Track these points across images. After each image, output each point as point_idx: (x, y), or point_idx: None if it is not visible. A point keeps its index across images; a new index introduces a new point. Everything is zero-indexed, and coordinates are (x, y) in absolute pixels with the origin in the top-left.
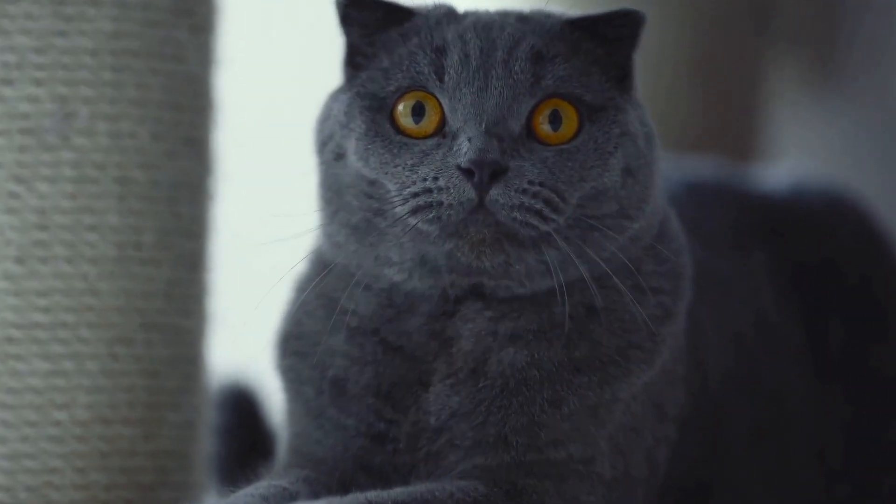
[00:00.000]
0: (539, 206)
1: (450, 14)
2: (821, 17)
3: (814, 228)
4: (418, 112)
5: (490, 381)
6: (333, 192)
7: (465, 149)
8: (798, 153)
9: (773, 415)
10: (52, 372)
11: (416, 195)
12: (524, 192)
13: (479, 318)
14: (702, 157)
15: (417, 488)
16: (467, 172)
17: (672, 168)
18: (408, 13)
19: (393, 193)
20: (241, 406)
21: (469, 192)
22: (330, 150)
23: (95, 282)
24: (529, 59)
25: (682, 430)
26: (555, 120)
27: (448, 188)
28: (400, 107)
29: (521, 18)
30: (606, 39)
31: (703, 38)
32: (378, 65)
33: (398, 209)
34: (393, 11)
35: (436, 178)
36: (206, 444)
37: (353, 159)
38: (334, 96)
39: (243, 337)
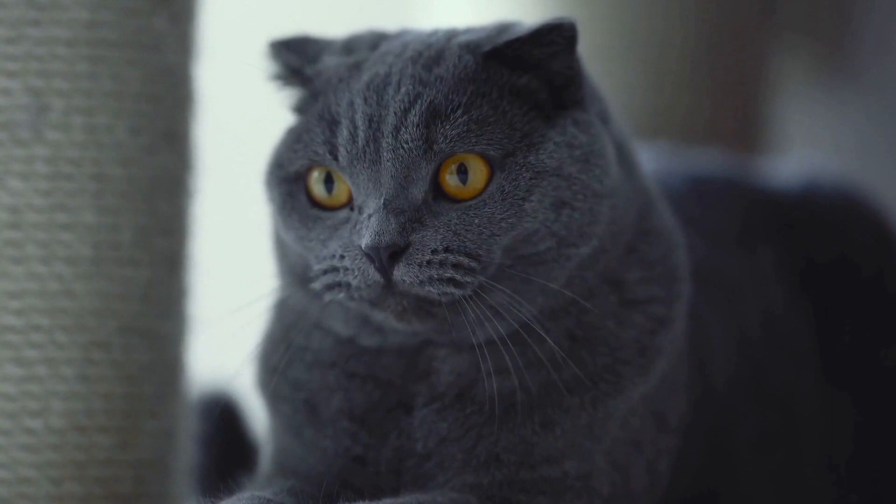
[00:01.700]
0: (449, 273)
1: (353, 68)
2: (830, 3)
3: (825, 227)
4: (329, 180)
5: (478, 407)
6: (277, 240)
7: (364, 230)
8: (806, 145)
9: (780, 419)
10: (26, 378)
11: (325, 272)
12: (429, 263)
13: (454, 359)
14: (707, 150)
15: (407, 500)
16: (368, 256)
17: (676, 161)
18: (319, 59)
19: (313, 265)
20: (222, 416)
21: (374, 274)
22: (270, 201)
23: (70, 283)
24: (421, 124)
25: (685, 436)
26: (463, 171)
27: (353, 270)
28: (314, 174)
29: (431, 62)
30: (537, 61)
31: (708, 26)
32: (295, 127)
33: (314, 284)
34: (308, 56)
35: (342, 257)
36: (186, 453)
37: (284, 234)
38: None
39: (225, 341)
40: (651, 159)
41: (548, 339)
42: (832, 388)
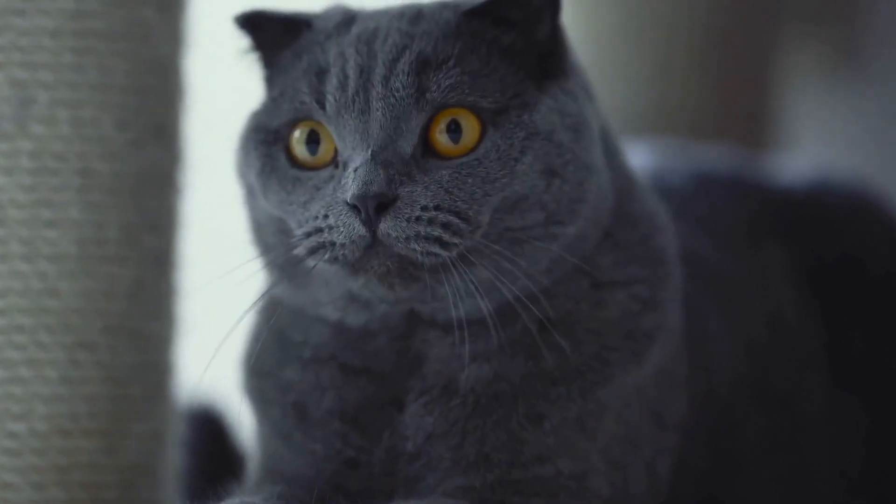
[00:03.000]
0: (437, 232)
1: (341, 24)
2: None
3: (835, 226)
4: (314, 140)
5: (461, 399)
6: (256, 230)
7: (350, 182)
8: (816, 140)
9: (787, 423)
10: (8, 379)
11: (308, 235)
12: (417, 220)
13: (440, 344)
14: (714, 146)
15: None
16: (354, 208)
17: (682, 158)
18: (304, 25)
19: (294, 231)
20: (208, 428)
21: (359, 228)
22: (244, 185)
23: (55, 281)
24: (413, 72)
25: (687, 440)
26: (454, 130)
27: (338, 226)
28: (296, 134)
29: (414, 18)
30: (513, 23)
31: (716, 20)
32: (273, 92)
33: (297, 251)
34: (289, 26)
35: (326, 216)
36: (173, 457)
37: (261, 200)
38: (244, 124)
39: (214, 342)
40: (657, 156)
41: (525, 320)
42: (841, 391)
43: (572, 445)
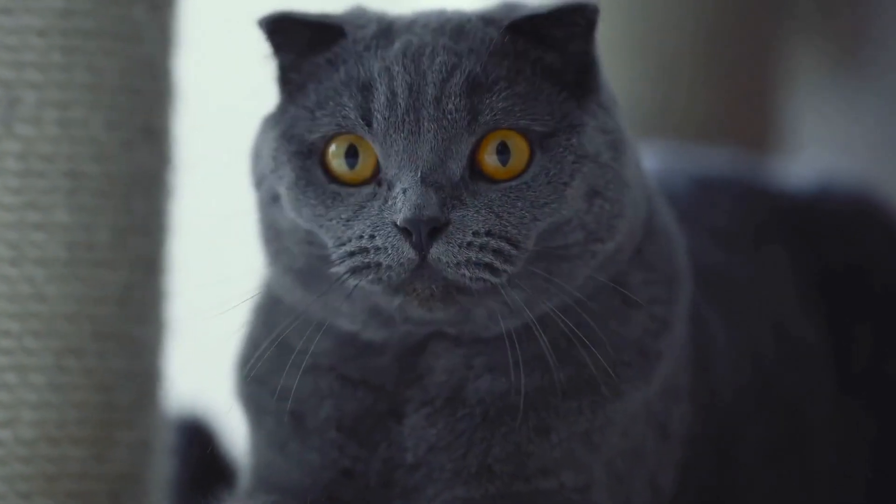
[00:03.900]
0: (488, 258)
1: (379, 34)
2: None
3: (839, 232)
4: (352, 154)
5: (469, 410)
6: (273, 235)
7: (400, 204)
8: (820, 143)
9: (791, 432)
10: None
11: (352, 254)
12: (469, 245)
13: (450, 355)
14: (717, 149)
15: None
16: (404, 231)
17: (684, 161)
18: (337, 32)
19: (331, 247)
20: (197, 438)
21: (408, 252)
22: (265, 191)
23: (42, 286)
24: (465, 93)
25: (690, 450)
26: (503, 152)
27: (385, 248)
28: (332, 147)
29: (457, 34)
30: (556, 41)
31: (719, 22)
32: (305, 101)
33: (336, 268)
34: (321, 31)
35: (372, 237)
36: (162, 466)
37: (287, 207)
38: (265, 128)
39: (204, 349)
40: (658, 158)
41: (552, 336)
42: (847, 398)
43: (577, 459)
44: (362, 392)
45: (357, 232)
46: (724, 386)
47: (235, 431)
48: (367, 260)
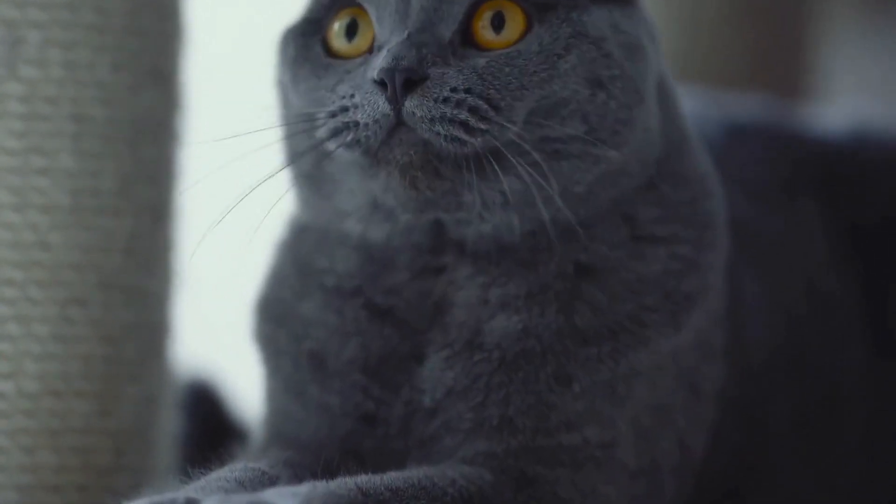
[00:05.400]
0: (463, 116)
1: None
2: None
3: (875, 181)
4: (352, 31)
5: (486, 354)
6: (287, 140)
7: (380, 60)
8: (854, 90)
9: (822, 395)
10: None
11: (333, 115)
12: (445, 101)
13: (469, 284)
14: (747, 95)
15: (414, 473)
16: (381, 84)
17: (713, 107)
18: None
19: (320, 119)
20: (203, 406)
21: (383, 106)
22: (279, 90)
23: (46, 234)
24: None
25: (723, 413)
26: (497, 23)
27: (363, 104)
28: (335, 26)
29: None
30: None
31: None
32: None
33: (318, 132)
34: None
35: (352, 96)
36: (169, 421)
37: (292, 96)
38: (283, 35)
39: (213, 302)
40: (688, 105)
41: (559, 260)
42: (882, 360)
43: (600, 412)
44: (389, 328)
45: (340, 93)
46: (757, 346)
47: (243, 394)
48: (346, 119)
